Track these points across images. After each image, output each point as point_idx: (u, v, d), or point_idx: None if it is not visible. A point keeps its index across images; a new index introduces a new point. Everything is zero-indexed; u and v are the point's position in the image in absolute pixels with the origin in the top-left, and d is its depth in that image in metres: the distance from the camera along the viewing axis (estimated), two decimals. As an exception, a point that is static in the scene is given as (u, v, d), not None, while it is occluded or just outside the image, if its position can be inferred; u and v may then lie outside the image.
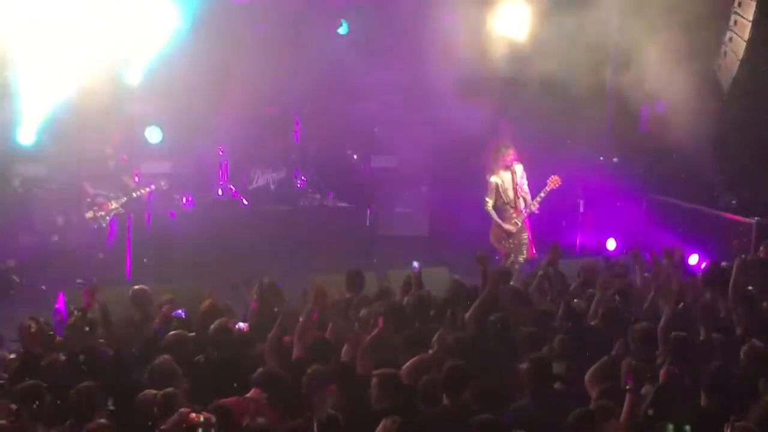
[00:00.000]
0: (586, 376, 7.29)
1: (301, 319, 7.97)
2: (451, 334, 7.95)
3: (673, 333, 7.85)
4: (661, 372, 7.18)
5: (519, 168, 12.57)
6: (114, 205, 12.25)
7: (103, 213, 12.21)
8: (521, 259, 12.45)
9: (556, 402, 7.06)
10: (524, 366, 7.29)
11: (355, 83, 14.74)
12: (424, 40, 14.06)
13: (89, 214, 12.23)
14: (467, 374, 7.02)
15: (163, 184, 12.66)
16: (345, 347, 7.77)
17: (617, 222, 14.81)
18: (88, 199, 12.29)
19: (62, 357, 7.66)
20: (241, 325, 8.49)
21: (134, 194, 12.08)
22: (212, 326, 8.05)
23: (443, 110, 15.05)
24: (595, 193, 15.04)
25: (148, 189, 12.62)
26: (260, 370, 7.09)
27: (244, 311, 9.18)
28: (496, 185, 12.51)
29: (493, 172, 12.56)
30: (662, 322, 8.18)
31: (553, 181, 12.49)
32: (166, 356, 7.21)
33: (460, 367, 7.07)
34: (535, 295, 9.59)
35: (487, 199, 12.55)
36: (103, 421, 6.15)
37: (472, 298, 9.16)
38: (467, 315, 8.82)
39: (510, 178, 12.52)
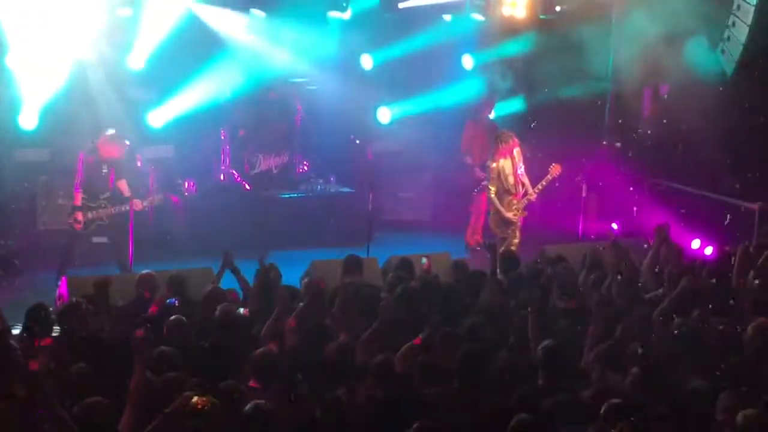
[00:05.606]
0: (588, 359, 7.33)
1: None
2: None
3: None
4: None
5: (516, 152, 12.43)
6: (90, 215, 11.80)
7: (77, 221, 11.73)
8: (515, 243, 12.29)
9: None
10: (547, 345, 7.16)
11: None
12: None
13: (69, 220, 11.79)
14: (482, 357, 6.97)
15: (160, 197, 12.33)
16: (342, 335, 7.77)
17: (620, 207, 14.77)
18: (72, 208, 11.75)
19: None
20: (242, 310, 8.51)
21: (123, 208, 11.69)
22: (218, 309, 8.10)
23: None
24: (597, 178, 15.00)
25: (152, 200, 12.18)
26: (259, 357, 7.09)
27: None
28: (498, 171, 12.37)
29: (493, 158, 12.41)
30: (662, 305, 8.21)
31: (554, 169, 12.34)
32: (166, 347, 7.19)
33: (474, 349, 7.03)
34: None
35: (490, 186, 12.40)
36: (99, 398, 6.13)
37: (476, 282, 9.22)
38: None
39: (510, 164, 12.37)
